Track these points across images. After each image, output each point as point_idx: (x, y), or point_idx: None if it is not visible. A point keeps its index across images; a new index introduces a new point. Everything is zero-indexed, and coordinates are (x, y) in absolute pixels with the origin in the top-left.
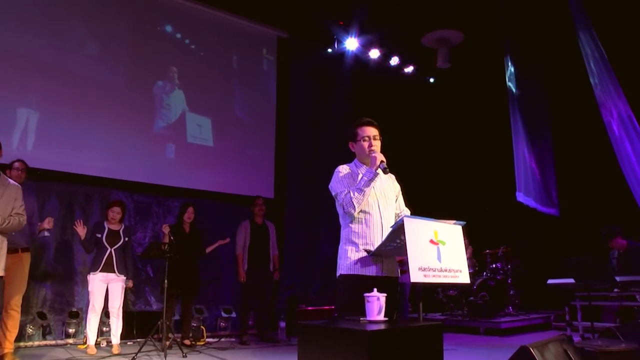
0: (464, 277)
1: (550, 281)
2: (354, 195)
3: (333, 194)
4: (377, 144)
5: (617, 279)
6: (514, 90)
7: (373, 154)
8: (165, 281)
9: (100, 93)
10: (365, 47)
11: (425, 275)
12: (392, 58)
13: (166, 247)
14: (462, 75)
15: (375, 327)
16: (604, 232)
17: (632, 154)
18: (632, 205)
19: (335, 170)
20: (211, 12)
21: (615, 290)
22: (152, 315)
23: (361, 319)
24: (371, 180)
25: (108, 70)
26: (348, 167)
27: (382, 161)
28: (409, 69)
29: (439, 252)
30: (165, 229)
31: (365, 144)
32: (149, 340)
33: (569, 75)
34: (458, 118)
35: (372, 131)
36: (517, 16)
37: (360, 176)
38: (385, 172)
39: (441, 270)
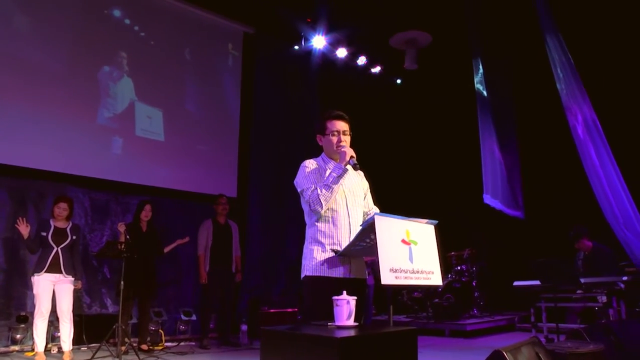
0: (436, 279)
1: (516, 283)
2: (321, 192)
3: (299, 190)
4: (346, 140)
5: (582, 280)
6: (483, 93)
7: (342, 149)
8: (122, 282)
9: (42, 79)
10: (333, 45)
11: (396, 277)
12: (360, 58)
13: (122, 246)
14: (429, 77)
15: (345, 334)
16: (572, 232)
17: (595, 158)
18: (595, 208)
19: (301, 165)
20: (175, 3)
21: (579, 291)
22: (108, 318)
23: (329, 324)
24: (340, 176)
25: (49, 53)
26: (315, 162)
27: (352, 156)
28: (376, 69)
29: (411, 253)
30: (121, 228)
31: (334, 139)
32: (104, 346)
33: (535, 79)
34: (425, 119)
35: (342, 125)
36: (485, 20)
37: (328, 172)
38: (355, 168)
39: (413, 272)
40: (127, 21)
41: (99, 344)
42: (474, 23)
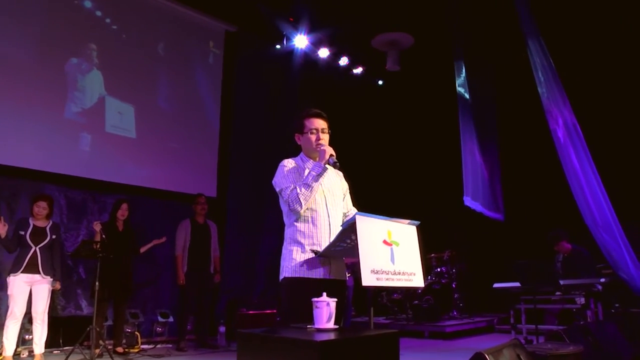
0: (418, 281)
1: (496, 285)
2: (300, 191)
3: (277, 189)
4: (325, 138)
5: (561, 282)
6: (465, 95)
7: (322, 147)
8: (97, 283)
9: (5, 69)
10: (315, 45)
11: (377, 279)
12: (342, 58)
13: (98, 246)
14: (411, 78)
15: (325, 337)
16: (552, 234)
17: (575, 161)
18: (574, 211)
19: (280, 164)
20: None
21: (558, 293)
22: (83, 320)
23: (308, 326)
24: (320, 175)
25: (13, 42)
26: (294, 161)
27: (331, 155)
28: (358, 70)
29: (393, 254)
30: (97, 227)
31: (313, 137)
32: (77, 349)
33: (516, 83)
34: (407, 121)
35: (320, 123)
36: (467, 23)
37: (307, 171)
38: (335, 166)
39: (394, 273)
40: (99, 13)
41: (72, 347)
42: (456, 26)
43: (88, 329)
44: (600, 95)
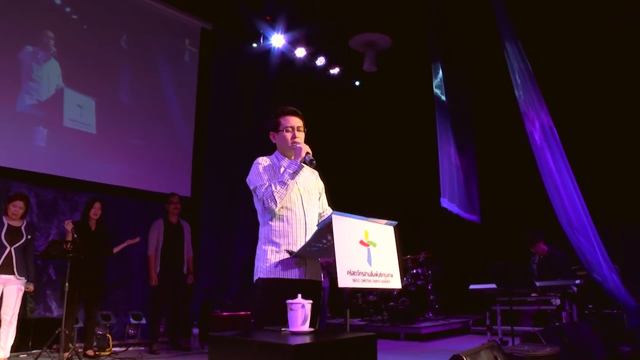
0: (395, 282)
1: (472, 286)
2: (275, 188)
3: (251, 187)
4: (301, 136)
5: (537, 284)
6: (442, 97)
7: (298, 145)
8: (67, 284)
9: None
10: (292, 44)
11: (354, 280)
12: (319, 58)
13: (69, 245)
14: (388, 79)
15: (300, 340)
16: (528, 236)
17: (552, 163)
18: (550, 213)
19: (254, 162)
20: None
21: (534, 294)
22: (53, 322)
23: (282, 329)
24: (295, 173)
25: None
26: (268, 159)
27: (307, 152)
28: (335, 71)
29: (370, 255)
30: (68, 226)
31: (289, 135)
32: (45, 352)
33: (493, 85)
34: (384, 122)
35: (296, 121)
36: (445, 24)
37: (282, 169)
38: (311, 164)
39: (371, 275)
40: (58, 1)
41: (40, 351)
42: (434, 27)
43: (57, 331)
44: (576, 98)
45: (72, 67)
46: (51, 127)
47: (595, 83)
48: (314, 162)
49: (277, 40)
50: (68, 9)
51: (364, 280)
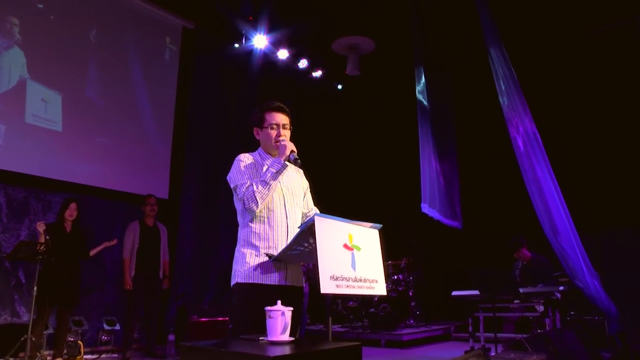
0: (380, 288)
1: (454, 293)
2: (257, 188)
3: (232, 185)
4: (286, 134)
5: (521, 290)
6: (424, 102)
7: (282, 142)
8: (35, 288)
9: None
10: (274, 46)
11: (337, 286)
12: (301, 60)
13: (42, 247)
14: (371, 83)
15: (279, 351)
16: (512, 241)
17: (536, 169)
18: (533, 219)
19: (236, 159)
20: None
21: (516, 301)
22: (21, 328)
23: (260, 338)
24: (279, 172)
25: None
26: (251, 157)
27: (292, 151)
28: (318, 73)
29: (354, 259)
30: (40, 227)
31: (273, 132)
32: None
33: (477, 91)
34: (366, 126)
35: (282, 118)
36: (429, 29)
37: (265, 168)
38: (296, 163)
39: (355, 280)
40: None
41: (2, 359)
42: (418, 32)
43: (22, 338)
44: (560, 105)
45: (38, 58)
46: (10, 123)
47: (579, 90)
48: (299, 161)
49: (260, 41)
50: (39, 4)
51: (347, 286)
